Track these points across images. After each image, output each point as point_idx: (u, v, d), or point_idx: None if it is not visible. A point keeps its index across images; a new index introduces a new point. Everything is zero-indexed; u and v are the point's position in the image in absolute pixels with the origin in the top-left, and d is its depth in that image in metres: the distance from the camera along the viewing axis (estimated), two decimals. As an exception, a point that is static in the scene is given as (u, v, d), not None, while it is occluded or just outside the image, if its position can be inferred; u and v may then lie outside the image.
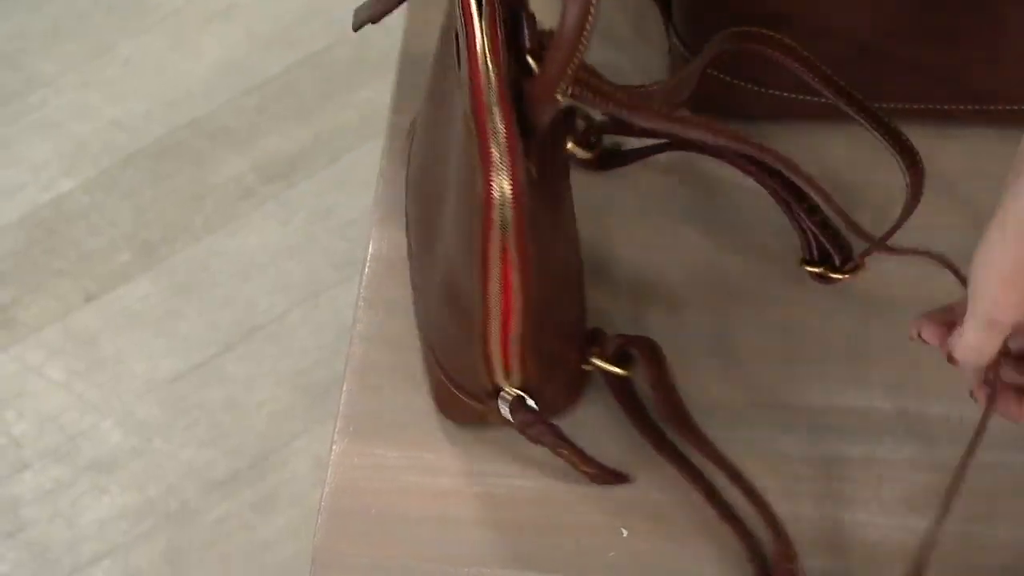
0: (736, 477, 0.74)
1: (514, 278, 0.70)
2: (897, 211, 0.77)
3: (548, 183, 0.71)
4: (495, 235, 0.68)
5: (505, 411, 0.74)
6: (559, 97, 0.67)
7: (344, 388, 0.79)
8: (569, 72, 0.66)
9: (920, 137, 0.78)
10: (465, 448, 0.77)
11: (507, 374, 0.74)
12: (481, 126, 0.67)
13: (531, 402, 0.74)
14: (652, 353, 0.76)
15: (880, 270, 0.81)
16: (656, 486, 0.75)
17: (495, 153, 0.67)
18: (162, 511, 1.47)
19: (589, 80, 0.67)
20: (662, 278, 0.82)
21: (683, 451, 0.77)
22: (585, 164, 0.85)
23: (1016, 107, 0.84)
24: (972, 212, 0.84)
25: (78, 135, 1.67)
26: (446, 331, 0.76)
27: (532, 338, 0.73)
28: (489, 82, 0.67)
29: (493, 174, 0.67)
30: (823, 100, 0.83)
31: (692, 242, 0.83)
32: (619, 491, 0.76)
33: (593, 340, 0.77)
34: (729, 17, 0.81)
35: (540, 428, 0.75)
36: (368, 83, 1.67)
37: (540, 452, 0.76)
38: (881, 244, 0.78)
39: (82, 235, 1.62)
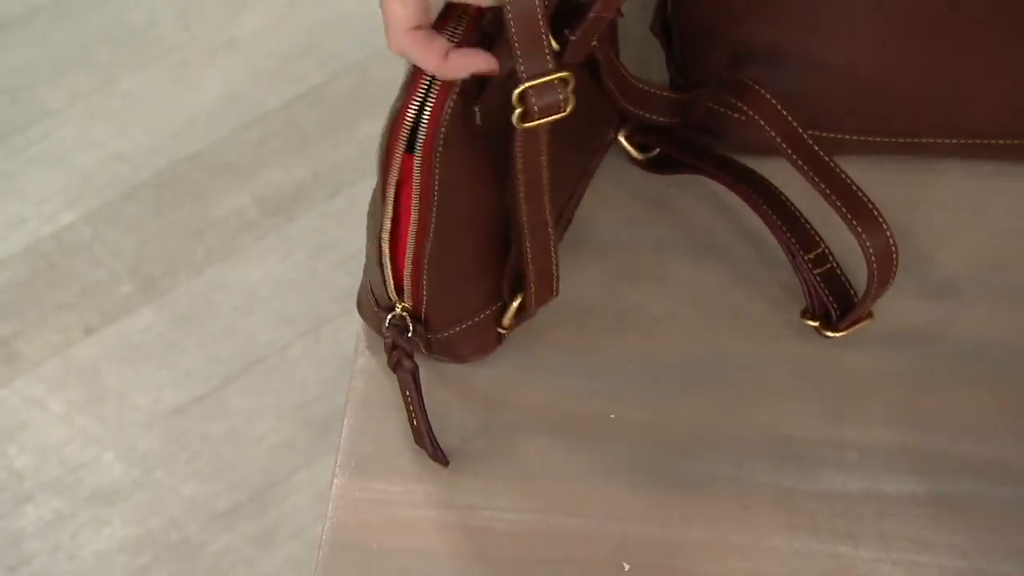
0: None
1: (413, 200, 0.72)
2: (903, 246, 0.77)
3: (496, 137, 0.72)
4: (398, 149, 0.71)
5: (385, 325, 0.77)
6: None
7: (345, 423, 0.79)
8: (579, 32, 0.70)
9: (911, 171, 0.78)
10: (466, 483, 0.77)
11: (399, 291, 0.76)
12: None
13: (411, 327, 0.77)
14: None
15: (881, 307, 0.81)
16: (656, 522, 0.75)
17: (426, 78, 0.70)
18: (163, 543, 1.47)
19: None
20: (668, 308, 0.82)
21: None
22: (638, 164, 0.87)
23: (1011, 141, 0.84)
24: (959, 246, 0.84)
25: (81, 168, 1.68)
26: (372, 224, 0.78)
27: (429, 268, 0.74)
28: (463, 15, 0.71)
29: (416, 95, 0.70)
30: (831, 135, 0.83)
31: (705, 277, 0.83)
32: (618, 525, 0.75)
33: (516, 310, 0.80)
34: (729, 52, 0.82)
35: (402, 357, 0.77)
36: (368, 118, 1.68)
37: (542, 486, 0.75)
38: (862, 310, 0.78)
39: (84, 268, 1.62)
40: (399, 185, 0.72)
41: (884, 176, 0.85)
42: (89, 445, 1.53)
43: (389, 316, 0.77)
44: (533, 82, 0.68)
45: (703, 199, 0.86)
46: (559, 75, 0.68)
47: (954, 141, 0.84)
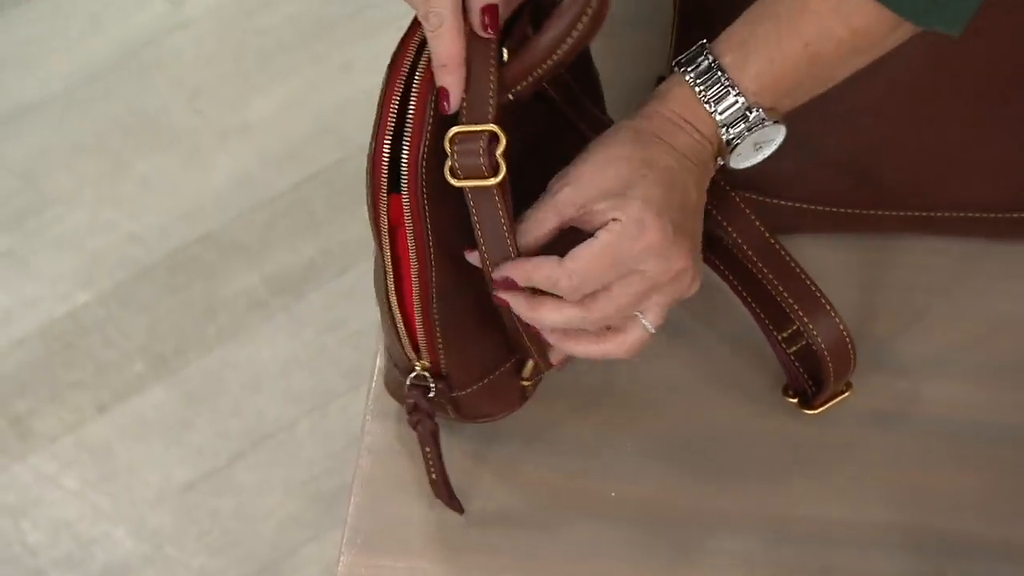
0: None
1: (409, 243, 0.70)
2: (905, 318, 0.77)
3: None
4: (382, 191, 0.69)
5: (406, 386, 0.76)
6: (510, 95, 0.69)
7: (352, 500, 0.80)
8: (525, 83, 0.68)
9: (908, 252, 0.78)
10: (470, 559, 0.77)
11: (415, 348, 0.75)
12: (391, 85, 0.68)
13: (433, 386, 0.75)
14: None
15: (870, 384, 0.81)
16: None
17: (392, 120, 0.68)
18: (173, 619, 1.47)
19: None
20: (668, 385, 0.82)
21: None
22: None
23: (1009, 214, 0.85)
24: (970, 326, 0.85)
25: (94, 249, 1.68)
26: (378, 285, 0.76)
27: (440, 317, 0.73)
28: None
29: (387, 134, 0.68)
30: (839, 210, 0.84)
31: (702, 355, 0.84)
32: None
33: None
34: None
35: (421, 416, 0.76)
36: (376, 198, 1.68)
37: (545, 563, 0.75)
38: (827, 394, 0.79)
39: (97, 347, 1.63)
40: (393, 231, 0.70)
41: (856, 254, 0.85)
42: (101, 521, 1.53)
43: (410, 378, 0.76)
44: (461, 128, 0.67)
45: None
46: (485, 127, 0.67)
47: (944, 214, 0.84)
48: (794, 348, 0.81)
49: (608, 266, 0.68)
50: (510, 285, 0.69)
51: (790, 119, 0.73)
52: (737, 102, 0.70)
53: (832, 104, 0.80)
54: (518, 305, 0.70)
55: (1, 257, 1.68)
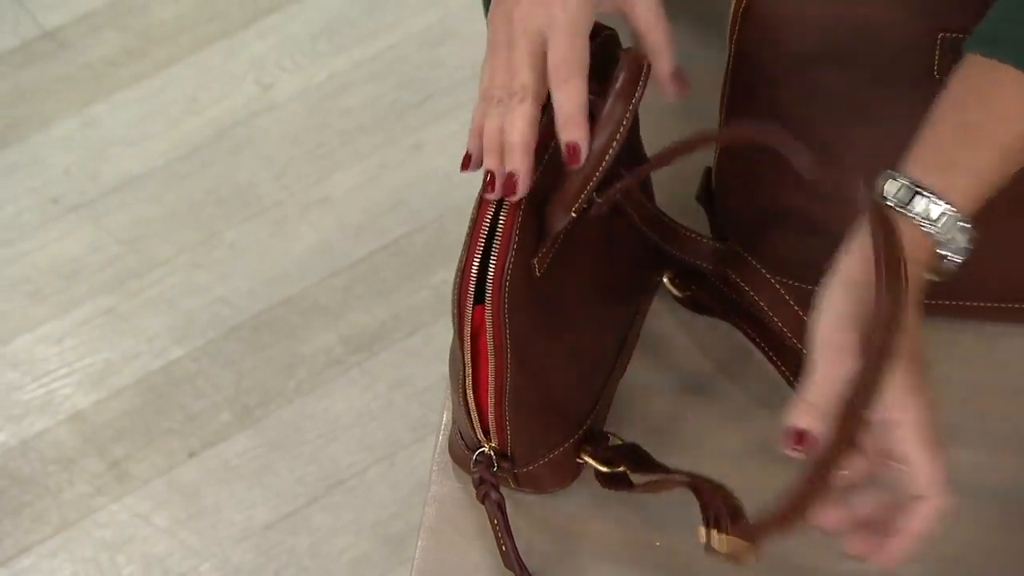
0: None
1: (489, 349, 0.70)
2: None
3: (556, 286, 0.72)
4: (468, 303, 0.69)
5: (481, 464, 0.75)
6: (572, 213, 0.69)
7: (419, 544, 0.80)
8: (582, 197, 0.69)
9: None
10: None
11: (486, 433, 0.74)
12: (482, 209, 0.69)
13: (496, 464, 0.75)
14: (634, 455, 0.76)
15: None
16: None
17: (480, 235, 0.68)
18: (252, 649, 1.47)
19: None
20: (708, 436, 0.82)
21: None
22: (680, 302, 0.85)
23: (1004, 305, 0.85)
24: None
25: (188, 310, 1.70)
26: (454, 375, 0.76)
27: (511, 410, 0.73)
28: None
29: (477, 250, 0.69)
30: None
31: (739, 410, 0.83)
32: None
33: (590, 439, 0.77)
34: (763, 218, 0.83)
35: (489, 490, 0.75)
36: (442, 267, 1.68)
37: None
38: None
39: (188, 398, 1.64)
40: (475, 336, 0.71)
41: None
42: (189, 557, 1.53)
43: (476, 454, 0.75)
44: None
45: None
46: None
47: (952, 303, 0.85)
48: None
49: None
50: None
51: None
52: (946, 215, 0.64)
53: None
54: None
55: (104, 315, 1.70)
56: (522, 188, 0.69)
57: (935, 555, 0.76)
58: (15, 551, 1.54)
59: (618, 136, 0.69)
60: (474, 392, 0.73)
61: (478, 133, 0.70)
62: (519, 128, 0.67)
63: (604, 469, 0.77)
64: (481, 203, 0.70)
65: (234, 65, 1.89)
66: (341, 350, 1.66)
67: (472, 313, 0.70)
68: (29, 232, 1.76)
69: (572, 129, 0.67)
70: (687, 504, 0.79)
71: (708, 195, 0.87)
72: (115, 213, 1.77)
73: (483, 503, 0.76)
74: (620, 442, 0.79)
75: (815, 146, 0.79)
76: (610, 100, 0.70)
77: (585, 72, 0.69)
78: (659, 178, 0.86)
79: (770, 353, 0.82)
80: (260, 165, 1.80)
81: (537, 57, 0.67)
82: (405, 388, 1.62)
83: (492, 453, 0.75)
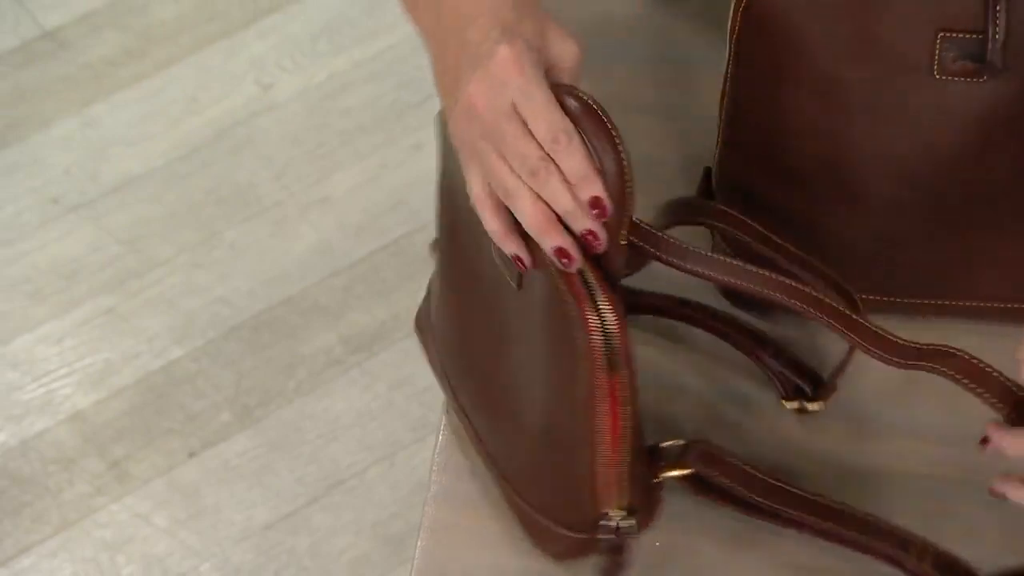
0: None
1: (620, 411, 0.68)
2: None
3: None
4: (601, 375, 0.66)
5: (607, 535, 0.71)
6: (622, 242, 0.68)
7: (418, 544, 0.80)
8: (625, 220, 0.68)
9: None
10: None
11: (610, 499, 0.71)
12: (574, 287, 0.67)
13: (630, 522, 0.72)
14: (709, 452, 0.74)
15: (907, 450, 0.79)
16: None
17: (588, 308, 0.66)
18: (252, 648, 1.47)
19: (640, 226, 0.69)
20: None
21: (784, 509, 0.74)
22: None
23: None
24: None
25: (188, 310, 1.70)
26: (540, 471, 0.73)
27: (631, 463, 0.70)
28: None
29: (592, 322, 0.66)
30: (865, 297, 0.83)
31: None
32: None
33: (655, 454, 0.75)
34: (766, 216, 0.83)
35: (622, 561, 0.72)
36: (443, 267, 1.68)
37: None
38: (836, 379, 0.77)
39: (188, 398, 1.64)
40: (603, 400, 0.67)
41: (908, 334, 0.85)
42: (189, 557, 1.53)
43: (613, 524, 0.71)
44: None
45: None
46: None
47: (966, 304, 0.85)
48: (781, 359, 0.81)
49: None
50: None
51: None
52: None
53: (859, 202, 0.80)
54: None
55: (104, 315, 1.70)
56: (603, 237, 0.67)
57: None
58: (15, 551, 1.54)
59: (623, 153, 0.68)
60: (598, 459, 0.70)
61: (513, 232, 0.69)
62: (564, 191, 0.66)
63: (683, 472, 0.75)
64: (567, 279, 0.67)
65: (234, 65, 1.89)
66: (341, 350, 1.66)
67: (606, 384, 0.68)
68: (29, 232, 1.76)
69: (591, 186, 0.67)
70: (686, 503, 0.79)
71: (708, 195, 0.87)
72: (115, 213, 1.77)
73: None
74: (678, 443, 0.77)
75: (816, 143, 0.80)
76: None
77: (573, 129, 0.67)
78: (659, 177, 0.86)
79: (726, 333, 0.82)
80: (260, 165, 1.80)
81: (527, 132, 0.67)
82: (405, 388, 1.62)
83: (620, 514, 0.71)
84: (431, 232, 0.86)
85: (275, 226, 1.76)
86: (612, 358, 0.66)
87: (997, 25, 0.73)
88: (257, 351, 1.66)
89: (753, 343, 0.83)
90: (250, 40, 1.91)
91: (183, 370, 1.65)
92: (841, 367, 0.80)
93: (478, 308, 0.77)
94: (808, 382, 0.81)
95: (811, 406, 0.81)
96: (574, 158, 0.66)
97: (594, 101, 0.67)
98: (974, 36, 0.74)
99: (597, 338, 0.66)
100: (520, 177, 0.66)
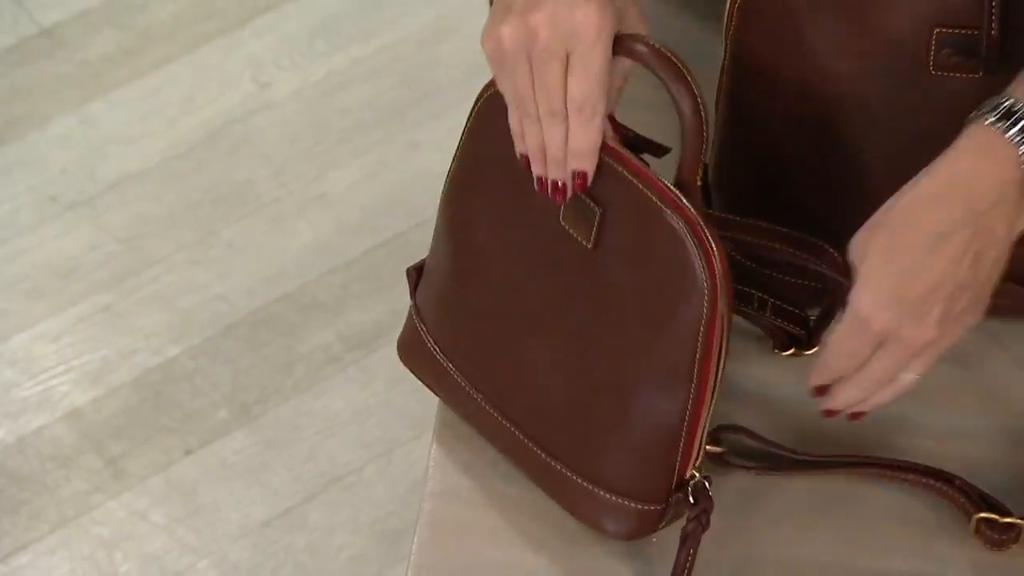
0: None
1: (724, 346, 0.71)
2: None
3: None
4: (721, 302, 0.69)
5: (688, 499, 0.72)
6: (697, 181, 0.72)
7: (415, 540, 0.80)
8: (701, 161, 0.71)
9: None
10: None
11: (694, 452, 0.73)
12: (695, 227, 0.70)
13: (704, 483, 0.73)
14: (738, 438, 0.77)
15: (900, 444, 0.79)
16: None
17: (707, 240, 0.69)
18: (251, 645, 1.47)
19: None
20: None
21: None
22: None
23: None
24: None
25: (185, 307, 1.70)
26: (606, 439, 0.73)
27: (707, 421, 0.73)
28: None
29: (714, 253, 0.69)
30: None
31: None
32: None
33: None
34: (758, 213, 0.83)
35: (704, 515, 0.73)
36: (440, 264, 1.69)
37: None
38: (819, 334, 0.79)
39: (186, 396, 1.64)
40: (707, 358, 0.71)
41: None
42: (186, 554, 1.53)
43: (699, 480, 0.73)
44: None
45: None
46: None
47: None
48: (767, 311, 0.82)
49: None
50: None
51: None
52: None
53: (855, 196, 0.80)
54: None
55: (101, 313, 1.70)
56: (568, 192, 0.72)
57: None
58: (13, 548, 1.54)
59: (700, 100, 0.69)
60: (696, 402, 0.72)
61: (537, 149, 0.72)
62: (562, 144, 0.70)
63: (719, 450, 0.77)
64: (683, 214, 0.71)
65: (231, 63, 1.89)
66: (339, 347, 1.66)
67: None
68: (27, 230, 1.77)
69: (583, 160, 0.69)
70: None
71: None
72: (113, 211, 1.77)
73: (687, 543, 0.72)
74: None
75: (812, 138, 0.80)
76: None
77: (606, 106, 0.70)
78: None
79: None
80: (258, 163, 1.80)
81: (564, 82, 0.70)
82: (403, 385, 1.62)
83: (695, 481, 0.73)
84: (429, 229, 0.87)
85: (273, 224, 1.75)
86: (727, 287, 0.69)
87: (993, 21, 0.74)
88: (255, 349, 1.66)
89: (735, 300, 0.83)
90: (247, 38, 1.91)
91: (181, 368, 1.65)
92: (828, 313, 0.80)
93: (510, 290, 0.78)
94: (801, 328, 0.82)
95: (808, 351, 0.82)
96: (587, 133, 0.69)
97: (666, 48, 0.70)
98: (970, 32, 0.75)
99: (720, 267, 0.69)
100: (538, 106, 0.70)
